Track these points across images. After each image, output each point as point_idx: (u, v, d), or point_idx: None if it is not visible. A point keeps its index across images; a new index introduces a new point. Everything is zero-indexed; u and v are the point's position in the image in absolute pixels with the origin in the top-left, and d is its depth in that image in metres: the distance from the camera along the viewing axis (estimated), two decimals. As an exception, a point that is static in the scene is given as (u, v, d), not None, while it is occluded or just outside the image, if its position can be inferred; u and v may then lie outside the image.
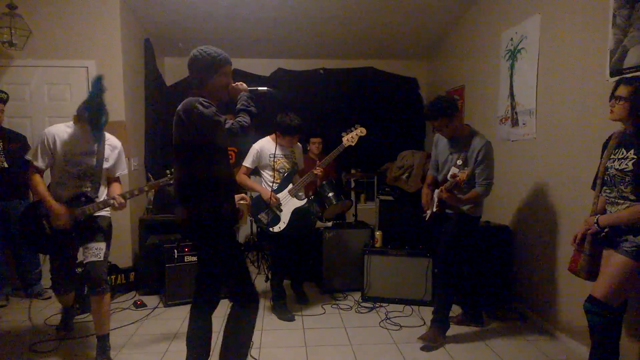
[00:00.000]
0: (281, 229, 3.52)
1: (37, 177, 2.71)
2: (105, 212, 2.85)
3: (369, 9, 4.65)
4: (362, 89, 5.88)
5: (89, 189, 2.74)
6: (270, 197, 3.46)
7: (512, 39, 3.83)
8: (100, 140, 2.79)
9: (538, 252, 3.48)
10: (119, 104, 4.21)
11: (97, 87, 2.72)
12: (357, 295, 4.02)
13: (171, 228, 4.15)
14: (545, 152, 3.42)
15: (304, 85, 5.83)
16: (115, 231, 3.00)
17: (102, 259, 2.73)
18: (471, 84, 4.73)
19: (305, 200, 3.68)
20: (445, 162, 3.20)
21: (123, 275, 4.14)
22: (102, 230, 2.79)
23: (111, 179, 2.90)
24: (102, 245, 2.75)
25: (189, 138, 2.13)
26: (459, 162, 3.05)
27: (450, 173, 3.01)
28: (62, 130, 2.72)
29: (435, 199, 3.17)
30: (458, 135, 3.10)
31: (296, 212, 3.58)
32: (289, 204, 3.58)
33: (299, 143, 3.77)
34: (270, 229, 3.54)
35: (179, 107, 2.13)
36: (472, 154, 3.00)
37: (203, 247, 2.30)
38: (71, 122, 2.77)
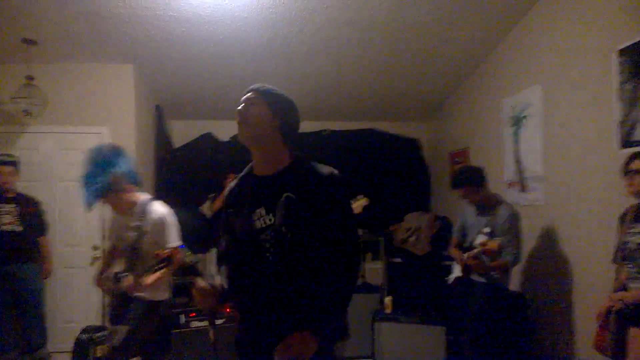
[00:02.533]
0: None
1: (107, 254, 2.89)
2: (147, 294, 2.65)
3: (367, 72, 4.82)
4: (363, 150, 5.97)
5: (127, 266, 2.64)
6: None
7: (514, 107, 3.96)
8: (144, 213, 2.66)
9: (553, 324, 3.41)
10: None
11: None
12: (368, 364, 3.89)
13: (180, 290, 4.07)
14: (555, 219, 3.44)
15: (308, 147, 5.92)
16: None
17: (117, 344, 2.58)
18: (475, 147, 4.83)
19: None
20: (472, 229, 3.24)
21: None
22: (130, 314, 2.63)
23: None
24: (125, 329, 2.59)
25: None
26: (486, 229, 3.10)
27: (478, 240, 3.04)
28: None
29: (462, 264, 3.16)
30: (485, 204, 3.16)
31: None
32: None
33: None
34: None
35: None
36: (500, 222, 3.03)
37: None
38: None
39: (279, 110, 1.65)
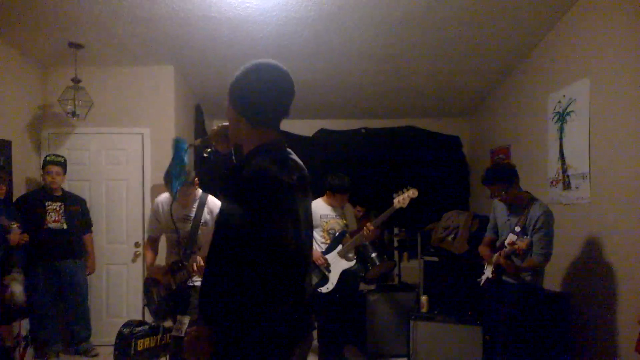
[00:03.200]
0: (329, 289, 3.51)
1: (147, 244, 2.94)
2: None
3: (407, 69, 4.75)
4: (403, 148, 5.90)
5: (184, 256, 2.74)
6: (319, 258, 3.48)
7: (560, 102, 3.79)
8: (202, 204, 2.81)
9: (598, 325, 3.25)
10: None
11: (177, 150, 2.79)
12: (404, 363, 3.84)
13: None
14: (600, 217, 3.27)
15: (347, 146, 5.92)
16: None
17: (182, 334, 2.61)
18: (517, 144, 4.67)
19: (354, 262, 3.65)
20: (503, 227, 3.16)
21: (164, 334, 4.12)
22: (193, 303, 2.66)
23: None
24: (187, 319, 2.66)
25: None
26: (517, 228, 3.00)
27: (508, 240, 2.95)
28: (165, 198, 2.88)
29: (493, 264, 3.08)
30: (517, 201, 3.07)
31: (345, 274, 3.56)
32: (338, 265, 3.57)
33: (349, 203, 3.78)
34: (319, 290, 3.54)
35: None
36: (531, 221, 2.94)
37: None
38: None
39: (237, 98, 1.45)
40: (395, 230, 5.59)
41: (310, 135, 5.99)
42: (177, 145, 2.56)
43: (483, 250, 3.29)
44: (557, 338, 3.49)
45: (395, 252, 5.45)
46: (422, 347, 3.75)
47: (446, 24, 3.84)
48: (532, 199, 3.04)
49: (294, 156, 1.53)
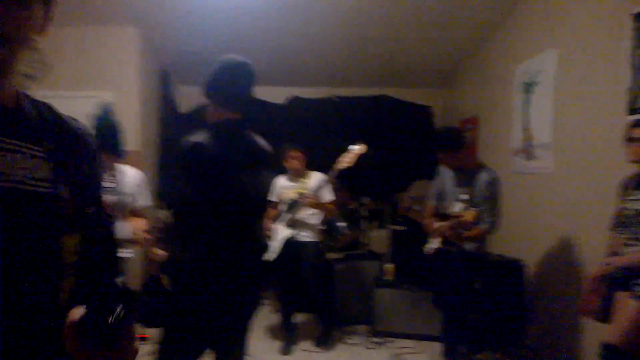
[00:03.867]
0: (271, 258, 3.52)
1: None
2: (127, 254, 2.70)
3: (380, 38, 4.68)
4: (375, 116, 5.88)
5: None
6: (264, 228, 3.50)
7: (526, 72, 3.80)
8: (116, 173, 2.74)
9: (554, 290, 3.37)
10: (135, 134, 4.28)
11: (105, 116, 2.74)
12: (367, 329, 3.93)
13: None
14: (562, 187, 3.34)
15: (319, 114, 5.87)
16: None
17: None
18: (485, 115, 4.70)
19: (294, 231, 3.60)
20: (449, 195, 3.11)
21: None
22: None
23: (134, 214, 2.74)
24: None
25: None
26: (464, 196, 2.95)
27: (454, 208, 2.94)
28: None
29: (438, 235, 3.09)
30: (465, 168, 3.02)
31: (301, 245, 3.56)
32: (282, 234, 3.57)
33: (319, 173, 3.70)
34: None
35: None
36: (479, 188, 2.92)
37: None
38: None
39: (205, 85, 1.86)
40: (365, 200, 5.63)
41: (284, 102, 5.91)
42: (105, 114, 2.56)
43: (428, 221, 3.24)
44: (512, 304, 3.60)
45: (364, 222, 5.50)
46: (385, 314, 3.84)
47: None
48: (480, 166, 3.00)
49: (247, 132, 1.86)
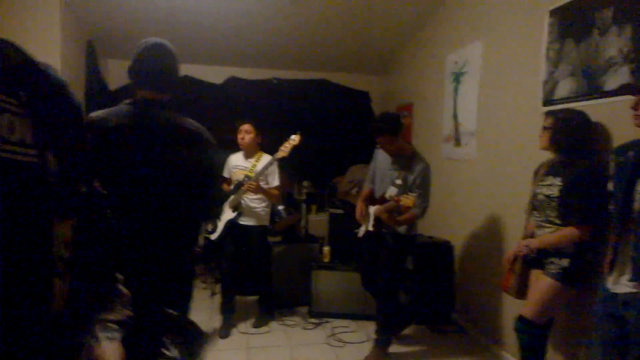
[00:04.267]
0: (214, 238, 3.57)
1: None
2: None
3: (322, 22, 4.69)
4: (314, 100, 5.91)
5: None
6: None
7: (456, 62, 3.97)
8: None
9: (478, 268, 3.61)
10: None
11: None
12: (305, 310, 4.01)
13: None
14: (485, 173, 3.56)
15: (257, 95, 5.80)
16: None
17: None
18: (419, 102, 4.87)
19: (236, 214, 3.59)
20: (383, 178, 3.18)
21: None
22: None
23: None
24: None
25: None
26: (398, 181, 3.03)
27: (388, 192, 3.02)
28: None
29: (372, 217, 3.16)
30: (400, 154, 3.10)
31: (235, 227, 3.56)
32: (225, 215, 3.57)
33: (266, 154, 3.67)
34: (208, 236, 3.64)
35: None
36: (412, 175, 3.01)
37: None
38: None
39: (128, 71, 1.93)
40: (304, 184, 5.68)
41: (220, 82, 5.77)
42: None
43: (360, 205, 3.31)
44: (442, 281, 3.82)
45: (303, 205, 5.56)
46: (322, 295, 3.93)
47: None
48: (414, 153, 3.09)
49: (165, 112, 1.87)
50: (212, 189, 2.19)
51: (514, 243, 2.63)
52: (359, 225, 3.36)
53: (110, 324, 0.66)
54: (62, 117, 0.60)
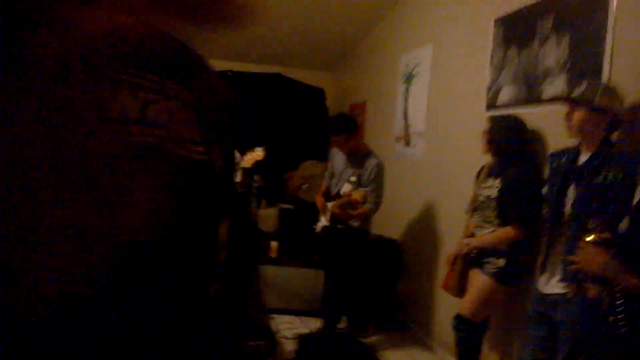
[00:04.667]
0: None
1: None
2: None
3: (279, 15, 4.63)
4: (268, 95, 5.84)
5: None
6: None
7: (407, 64, 4.04)
8: None
9: (423, 267, 3.69)
10: None
11: None
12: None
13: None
14: (433, 173, 3.63)
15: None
16: None
17: None
18: (372, 101, 4.92)
19: None
20: (340, 176, 3.30)
21: None
22: None
23: None
24: None
25: None
26: (353, 178, 3.17)
27: (344, 189, 3.12)
28: None
29: (328, 213, 3.24)
30: (355, 152, 3.22)
31: None
32: None
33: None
34: None
35: None
36: (365, 172, 3.13)
37: None
38: None
39: None
40: (255, 177, 5.60)
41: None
42: None
43: (319, 199, 3.44)
44: (388, 279, 3.89)
45: (253, 199, 5.49)
46: (269, 291, 3.90)
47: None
48: (368, 152, 3.24)
49: None
50: None
51: (455, 243, 2.70)
52: (311, 221, 3.41)
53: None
54: (221, 116, 0.53)
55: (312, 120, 6.02)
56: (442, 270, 3.35)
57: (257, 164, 3.44)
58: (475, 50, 3.11)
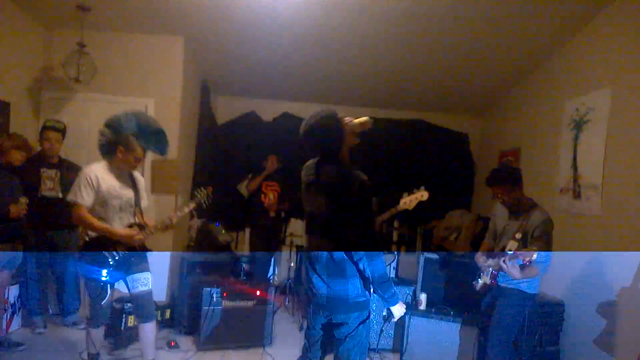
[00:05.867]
0: None
1: (87, 213, 2.75)
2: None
3: (422, 62, 4.63)
4: (410, 141, 5.79)
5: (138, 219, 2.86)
6: None
7: (577, 109, 3.69)
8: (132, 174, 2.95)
9: (593, 333, 3.23)
10: (172, 143, 4.27)
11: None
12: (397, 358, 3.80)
13: (211, 268, 4.12)
14: (609, 231, 3.23)
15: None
16: (152, 264, 3.01)
17: (150, 288, 2.85)
18: (528, 148, 4.58)
19: None
20: (503, 233, 3.06)
21: (158, 311, 4.08)
22: (147, 261, 2.91)
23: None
24: (149, 275, 2.87)
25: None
26: (518, 235, 2.90)
27: (508, 246, 2.87)
28: (101, 168, 2.82)
29: (491, 271, 3.00)
30: (518, 206, 2.97)
31: None
32: None
33: None
34: None
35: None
36: (531, 227, 2.84)
37: None
38: (105, 162, 2.86)
39: None
40: (396, 224, 5.53)
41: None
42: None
43: (481, 259, 3.18)
44: (550, 345, 3.46)
45: (394, 246, 5.39)
46: (416, 344, 3.72)
47: (467, 20, 3.74)
48: (533, 205, 2.94)
49: None
50: None
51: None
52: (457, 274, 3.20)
53: None
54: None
55: (455, 167, 5.81)
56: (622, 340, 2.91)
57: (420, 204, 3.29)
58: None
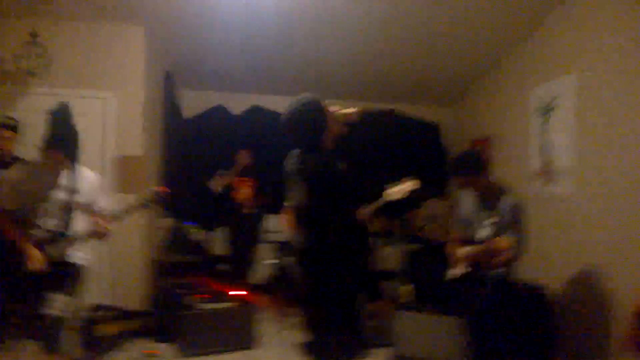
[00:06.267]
0: None
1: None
2: (82, 260, 2.62)
3: (392, 53, 4.58)
4: (382, 132, 5.73)
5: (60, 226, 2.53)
6: None
7: (543, 97, 3.75)
8: (73, 172, 2.63)
9: (577, 316, 3.27)
10: (136, 138, 4.03)
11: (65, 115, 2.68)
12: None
13: (187, 270, 3.93)
14: (582, 212, 3.29)
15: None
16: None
17: (61, 314, 2.44)
18: (499, 136, 4.62)
19: None
20: (473, 221, 2.98)
21: (131, 320, 3.83)
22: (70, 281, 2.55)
23: (94, 215, 2.65)
24: (65, 299, 2.47)
25: None
26: (490, 221, 2.84)
27: (481, 234, 2.82)
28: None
29: (462, 263, 2.95)
30: (486, 193, 2.90)
31: None
32: None
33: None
34: None
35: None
36: (503, 213, 2.79)
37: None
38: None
39: None
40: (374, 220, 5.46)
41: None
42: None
43: (453, 249, 3.10)
44: (538, 330, 3.47)
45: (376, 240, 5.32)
46: (406, 338, 3.65)
47: (438, 9, 3.72)
48: (502, 190, 2.87)
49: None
50: None
51: (628, 293, 2.32)
52: (442, 265, 3.14)
53: None
54: None
55: (428, 157, 5.80)
56: (601, 318, 2.95)
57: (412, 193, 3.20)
58: (635, 76, 2.78)
